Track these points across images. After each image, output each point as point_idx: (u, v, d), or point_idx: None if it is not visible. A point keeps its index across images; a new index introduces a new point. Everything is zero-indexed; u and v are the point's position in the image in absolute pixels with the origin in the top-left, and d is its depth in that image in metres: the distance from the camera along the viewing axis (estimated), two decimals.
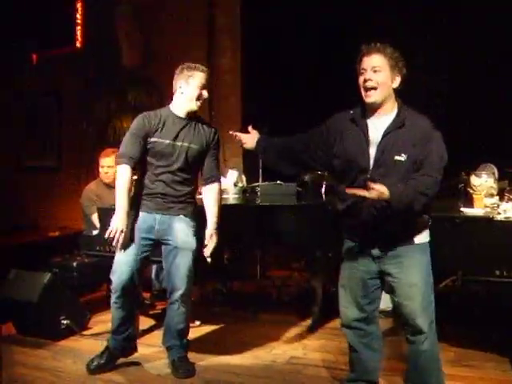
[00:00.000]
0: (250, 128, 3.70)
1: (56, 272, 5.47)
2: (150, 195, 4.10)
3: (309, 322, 5.28)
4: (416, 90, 6.01)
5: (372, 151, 3.23)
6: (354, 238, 3.45)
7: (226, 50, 7.46)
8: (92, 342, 4.72)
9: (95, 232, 5.31)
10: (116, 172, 4.10)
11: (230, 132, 3.77)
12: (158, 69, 7.61)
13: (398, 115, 3.25)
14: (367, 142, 3.25)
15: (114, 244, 3.98)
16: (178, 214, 4.13)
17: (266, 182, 5.76)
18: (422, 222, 3.33)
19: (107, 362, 4.23)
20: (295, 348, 4.72)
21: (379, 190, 3.00)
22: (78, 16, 8.20)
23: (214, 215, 4.20)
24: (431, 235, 3.62)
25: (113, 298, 4.16)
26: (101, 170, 5.87)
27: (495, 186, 4.42)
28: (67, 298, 5.08)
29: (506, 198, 4.43)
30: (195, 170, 4.24)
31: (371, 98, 3.23)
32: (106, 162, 5.80)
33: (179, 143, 4.07)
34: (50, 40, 8.23)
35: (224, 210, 5.05)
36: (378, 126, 3.25)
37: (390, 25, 6.14)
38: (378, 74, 3.20)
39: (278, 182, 5.65)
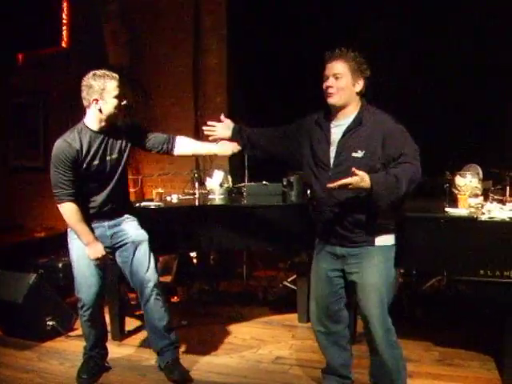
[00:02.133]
0: (222, 117, 3.88)
1: (41, 273, 5.47)
2: (94, 211, 4.02)
3: (295, 321, 5.30)
4: (403, 90, 6.13)
5: (332, 150, 3.38)
6: (322, 237, 3.59)
7: (211, 50, 7.46)
8: (78, 343, 4.69)
9: None
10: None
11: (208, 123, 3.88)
12: (144, 68, 7.62)
13: (357, 115, 3.36)
14: (328, 142, 3.40)
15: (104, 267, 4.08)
16: (123, 216, 4.14)
17: (252, 183, 5.77)
18: (385, 225, 3.41)
19: (96, 373, 4.19)
20: (281, 348, 4.73)
21: (360, 174, 3.06)
22: (64, 16, 8.17)
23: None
24: (416, 235, 3.90)
25: (85, 316, 4.11)
26: None
27: (479, 186, 4.45)
28: (53, 299, 5.07)
29: (491, 198, 4.47)
30: (126, 174, 4.23)
31: (332, 99, 3.36)
32: None
33: (107, 158, 3.96)
34: (35, 40, 8.19)
35: (209, 210, 5.07)
36: (339, 128, 3.39)
37: (374, 22, 6.21)
38: (340, 80, 3.33)
39: (264, 182, 5.66)
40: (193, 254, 6.53)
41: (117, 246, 4.14)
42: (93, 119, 3.92)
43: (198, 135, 7.43)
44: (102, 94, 3.84)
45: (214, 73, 7.45)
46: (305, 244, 5.06)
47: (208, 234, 4.91)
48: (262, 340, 4.90)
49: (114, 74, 3.91)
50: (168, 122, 7.55)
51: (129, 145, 4.06)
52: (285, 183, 5.48)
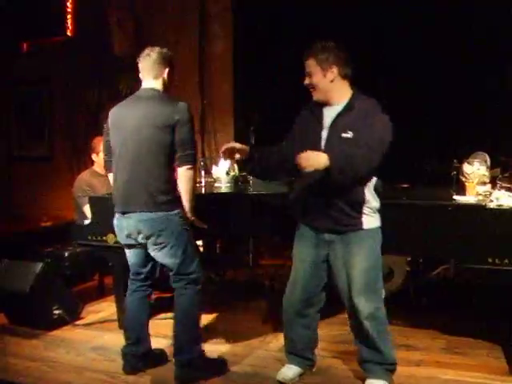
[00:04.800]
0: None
1: (48, 262, 5.44)
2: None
3: None
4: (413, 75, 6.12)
5: (324, 134, 3.53)
6: (306, 222, 3.69)
7: (217, 38, 7.43)
8: (84, 331, 4.71)
9: (87, 222, 5.27)
10: None
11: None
12: None
13: (348, 102, 3.51)
14: (321, 126, 3.55)
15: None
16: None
17: None
18: (370, 207, 3.52)
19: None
20: None
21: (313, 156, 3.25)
22: (69, 4, 8.16)
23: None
24: (424, 223, 3.95)
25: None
26: (97, 156, 5.76)
27: (487, 173, 4.42)
28: (59, 288, 5.08)
29: (498, 185, 4.44)
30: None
31: (314, 96, 3.58)
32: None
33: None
34: (40, 28, 8.17)
35: (216, 198, 5.03)
36: (331, 113, 3.53)
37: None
38: (312, 77, 3.53)
39: None
40: (199, 243, 6.52)
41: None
42: None
43: (204, 123, 7.44)
44: None
45: (220, 60, 7.42)
46: None
47: (214, 222, 4.89)
48: (268, 328, 4.88)
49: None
50: None
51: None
52: None
